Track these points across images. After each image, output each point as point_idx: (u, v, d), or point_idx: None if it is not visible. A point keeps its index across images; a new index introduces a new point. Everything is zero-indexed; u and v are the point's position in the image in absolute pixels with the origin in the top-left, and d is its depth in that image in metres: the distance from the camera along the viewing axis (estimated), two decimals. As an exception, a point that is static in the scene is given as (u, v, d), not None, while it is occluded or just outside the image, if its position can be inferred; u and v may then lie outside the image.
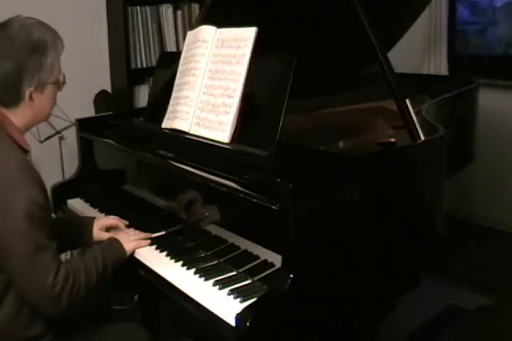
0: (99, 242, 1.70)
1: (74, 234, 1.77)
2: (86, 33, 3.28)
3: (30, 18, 1.52)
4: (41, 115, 1.55)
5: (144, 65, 3.35)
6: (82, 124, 2.20)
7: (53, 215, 1.93)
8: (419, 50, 3.54)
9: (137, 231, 1.73)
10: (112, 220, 1.80)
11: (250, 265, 1.49)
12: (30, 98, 1.47)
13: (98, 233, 1.76)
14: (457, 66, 3.51)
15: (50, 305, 1.39)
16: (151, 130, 1.97)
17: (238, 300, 1.36)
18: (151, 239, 1.71)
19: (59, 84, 1.55)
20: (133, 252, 1.65)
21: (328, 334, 1.42)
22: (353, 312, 1.46)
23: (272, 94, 1.61)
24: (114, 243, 1.63)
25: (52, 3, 3.10)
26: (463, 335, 2.38)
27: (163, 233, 1.75)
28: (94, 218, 1.81)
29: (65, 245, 1.77)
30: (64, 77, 1.56)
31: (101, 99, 3.38)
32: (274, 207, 1.35)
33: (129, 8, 3.25)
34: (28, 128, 1.56)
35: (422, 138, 1.71)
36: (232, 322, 1.29)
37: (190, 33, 1.93)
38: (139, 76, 3.37)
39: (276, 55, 1.63)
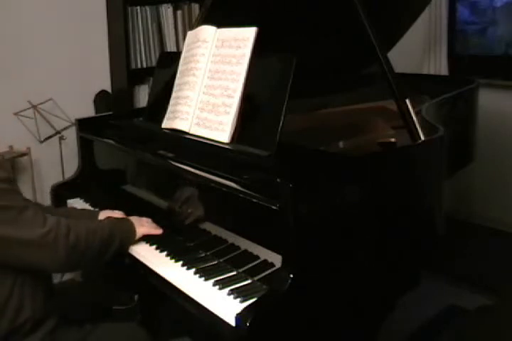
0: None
1: None
2: (86, 33, 3.28)
3: None
4: None
5: (144, 65, 3.35)
6: (82, 124, 2.20)
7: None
8: (419, 50, 3.54)
9: (150, 220, 1.73)
10: (118, 215, 1.79)
11: (250, 265, 1.49)
12: None
13: None
14: (457, 66, 3.51)
15: (49, 254, 1.39)
16: (151, 130, 1.97)
17: (238, 300, 1.36)
18: (152, 239, 1.71)
19: None
20: (133, 252, 1.65)
21: (328, 334, 1.42)
22: (353, 312, 1.46)
23: (271, 94, 1.61)
24: (126, 221, 1.65)
25: (52, 3, 3.11)
26: (463, 335, 2.38)
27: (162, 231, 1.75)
28: (98, 211, 1.82)
29: None
30: None
31: (101, 99, 3.38)
32: (274, 207, 1.35)
33: (129, 8, 3.25)
34: None
35: (422, 138, 1.71)
36: (232, 322, 1.29)
37: (190, 33, 1.93)
38: (139, 76, 3.37)
39: (276, 55, 1.63)
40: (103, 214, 1.79)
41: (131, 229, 1.64)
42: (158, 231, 1.70)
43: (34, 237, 1.37)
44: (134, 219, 1.69)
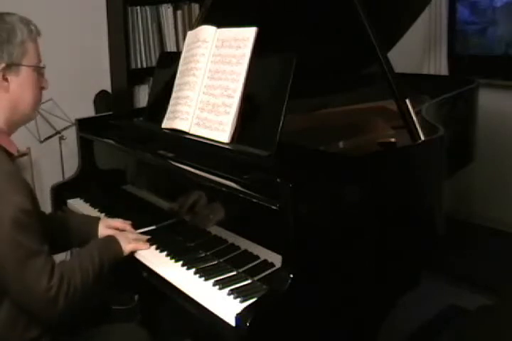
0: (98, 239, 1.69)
1: (78, 233, 1.75)
2: (86, 33, 3.28)
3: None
4: (21, 107, 1.46)
5: (144, 65, 3.35)
6: (82, 124, 2.20)
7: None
8: (419, 50, 3.54)
9: (138, 234, 1.72)
10: (119, 223, 1.78)
11: (250, 265, 1.49)
12: (4, 78, 1.41)
13: (104, 233, 1.74)
14: (457, 66, 3.51)
15: (47, 308, 1.37)
16: (151, 130, 1.97)
17: (238, 300, 1.36)
18: (152, 239, 1.70)
19: (38, 72, 1.48)
20: (133, 252, 1.65)
21: (328, 334, 1.42)
22: (353, 312, 1.46)
23: (272, 94, 1.61)
24: (112, 242, 1.62)
25: (52, 3, 3.11)
26: (463, 335, 2.38)
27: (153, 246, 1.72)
28: (99, 218, 1.80)
29: (68, 243, 1.78)
30: (44, 67, 1.49)
31: (101, 99, 3.38)
32: (274, 207, 1.35)
33: (129, 8, 3.25)
34: (11, 125, 1.47)
35: (422, 138, 1.71)
36: (232, 322, 1.29)
37: (190, 33, 1.93)
38: (139, 76, 3.37)
39: (276, 55, 1.63)
40: (103, 223, 1.76)
41: (119, 251, 1.61)
42: (145, 246, 1.67)
43: (36, 289, 1.33)
44: (120, 236, 1.66)
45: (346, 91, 2.49)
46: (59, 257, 1.61)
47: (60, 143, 3.05)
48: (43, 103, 2.91)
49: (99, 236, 1.73)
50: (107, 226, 1.76)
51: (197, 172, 1.59)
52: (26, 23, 1.46)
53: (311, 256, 1.36)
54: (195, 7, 3.48)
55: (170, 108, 1.89)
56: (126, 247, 1.62)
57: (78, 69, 3.26)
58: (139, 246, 1.66)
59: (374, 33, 1.73)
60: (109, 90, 3.44)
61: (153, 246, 1.68)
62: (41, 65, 1.51)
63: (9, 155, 1.43)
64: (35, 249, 1.35)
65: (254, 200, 1.40)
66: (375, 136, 2.04)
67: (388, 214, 1.56)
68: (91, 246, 1.57)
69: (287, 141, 1.55)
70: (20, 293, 1.36)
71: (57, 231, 1.71)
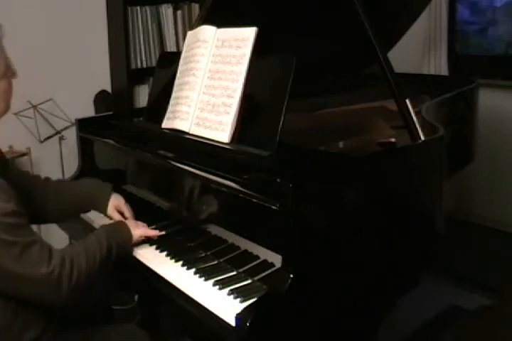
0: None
1: (88, 197, 1.78)
2: (86, 33, 3.28)
3: None
4: None
5: (144, 65, 3.35)
6: (82, 124, 2.20)
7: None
8: (419, 50, 3.55)
9: (145, 225, 1.72)
10: (127, 211, 1.78)
11: (250, 265, 1.49)
12: None
13: (112, 210, 1.76)
14: (457, 66, 3.51)
15: (51, 293, 1.36)
16: (151, 130, 1.97)
17: (238, 300, 1.36)
18: (151, 239, 1.71)
19: (7, 73, 1.42)
20: (133, 252, 1.65)
21: (328, 334, 1.42)
22: (353, 312, 1.46)
23: (271, 94, 1.61)
24: (121, 225, 1.63)
25: (52, 3, 3.11)
26: (463, 335, 2.38)
27: (163, 233, 1.75)
28: (111, 192, 1.80)
29: (76, 208, 1.81)
30: (10, 61, 1.42)
31: (101, 99, 3.38)
32: (274, 207, 1.35)
33: (129, 8, 3.25)
34: None
35: (422, 138, 1.71)
36: (232, 322, 1.29)
37: (190, 33, 1.93)
38: (139, 76, 3.37)
39: (276, 55, 1.63)
40: (113, 202, 1.77)
41: (128, 235, 1.61)
42: (154, 232, 1.68)
43: (37, 276, 1.33)
44: (129, 221, 1.68)
45: (346, 91, 2.49)
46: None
47: (60, 143, 3.05)
48: (43, 103, 2.94)
49: (108, 212, 1.76)
50: (116, 207, 1.77)
51: (197, 172, 1.59)
52: None
53: (311, 256, 1.36)
54: (195, 7, 3.49)
55: (170, 108, 1.89)
56: (136, 232, 1.63)
57: (78, 70, 3.26)
58: (148, 232, 1.67)
59: (374, 33, 1.73)
60: (109, 90, 3.44)
61: (153, 246, 1.68)
62: (9, 64, 1.45)
63: None
64: (28, 240, 1.35)
65: (254, 200, 1.40)
66: (375, 136, 2.04)
67: (388, 214, 1.56)
68: (99, 230, 1.58)
69: (287, 141, 1.55)
70: (23, 285, 1.36)
71: (67, 196, 1.75)
